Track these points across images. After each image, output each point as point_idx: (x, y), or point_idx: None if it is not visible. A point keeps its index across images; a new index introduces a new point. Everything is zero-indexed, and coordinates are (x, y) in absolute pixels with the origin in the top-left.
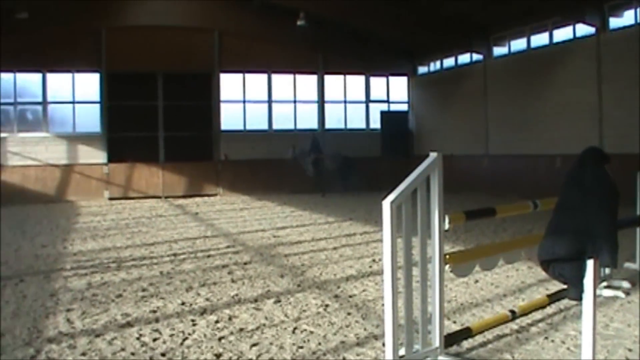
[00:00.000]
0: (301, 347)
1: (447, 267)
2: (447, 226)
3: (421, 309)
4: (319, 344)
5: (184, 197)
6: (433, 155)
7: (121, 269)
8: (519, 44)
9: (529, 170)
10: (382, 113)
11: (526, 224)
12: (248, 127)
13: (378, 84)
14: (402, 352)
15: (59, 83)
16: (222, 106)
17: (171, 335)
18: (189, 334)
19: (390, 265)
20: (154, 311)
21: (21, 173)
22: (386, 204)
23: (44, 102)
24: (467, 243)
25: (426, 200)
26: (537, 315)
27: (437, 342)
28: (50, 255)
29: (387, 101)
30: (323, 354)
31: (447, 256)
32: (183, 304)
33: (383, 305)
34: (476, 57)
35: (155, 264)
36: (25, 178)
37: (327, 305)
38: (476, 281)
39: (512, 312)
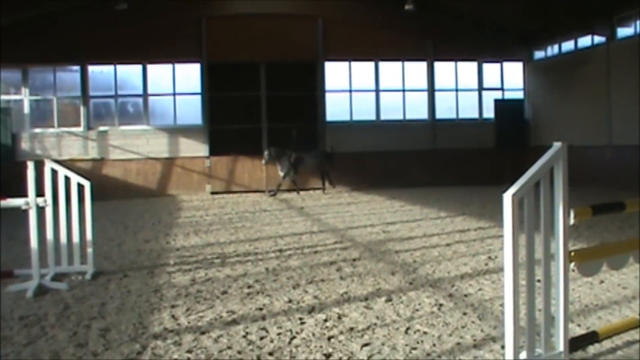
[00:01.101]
0: (414, 349)
1: (571, 265)
2: (572, 221)
3: (544, 310)
4: (434, 345)
5: (288, 191)
6: (557, 145)
7: (225, 265)
8: None
9: None
10: (496, 101)
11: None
12: (355, 118)
13: (491, 70)
14: (523, 355)
15: (160, 74)
16: (327, 96)
17: (279, 334)
18: (297, 333)
19: (512, 263)
20: (260, 309)
21: (122, 167)
22: (507, 197)
23: (145, 95)
24: (590, 240)
25: (549, 194)
26: None
27: (560, 346)
28: (153, 251)
29: (502, 89)
30: (438, 355)
31: (572, 253)
32: (290, 301)
33: (501, 305)
34: (598, 39)
35: (260, 260)
36: (126, 172)
37: (441, 305)
38: (601, 281)
39: None
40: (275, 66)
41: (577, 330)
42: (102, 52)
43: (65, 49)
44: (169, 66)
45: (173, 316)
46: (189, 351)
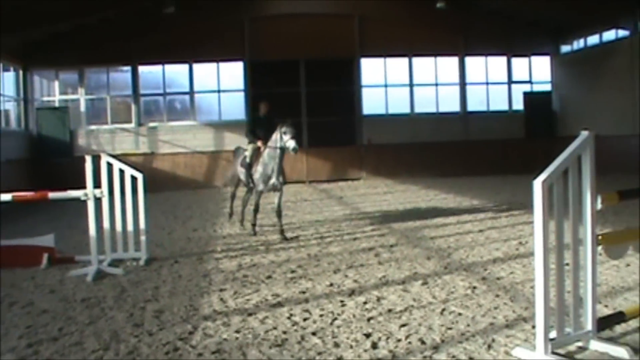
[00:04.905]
0: (450, 329)
1: (599, 248)
2: (599, 206)
3: (573, 292)
4: (468, 325)
5: (327, 181)
6: (584, 134)
7: (270, 252)
8: None
9: None
10: (525, 94)
11: None
12: (390, 112)
13: (520, 64)
14: (553, 334)
15: (205, 73)
16: (364, 91)
17: (321, 315)
18: (339, 314)
19: (542, 247)
20: (303, 292)
21: (171, 160)
22: (537, 183)
23: (191, 92)
24: (617, 226)
25: (577, 180)
26: None
27: (589, 325)
28: (201, 238)
29: (530, 82)
30: (472, 335)
31: (600, 237)
32: (331, 285)
33: (532, 287)
34: (622, 33)
35: (302, 246)
36: (175, 165)
37: (474, 287)
38: (627, 265)
39: None
40: (314, 63)
41: (605, 311)
42: (152, 53)
43: (117, 51)
44: (214, 65)
45: (221, 299)
46: (237, 331)
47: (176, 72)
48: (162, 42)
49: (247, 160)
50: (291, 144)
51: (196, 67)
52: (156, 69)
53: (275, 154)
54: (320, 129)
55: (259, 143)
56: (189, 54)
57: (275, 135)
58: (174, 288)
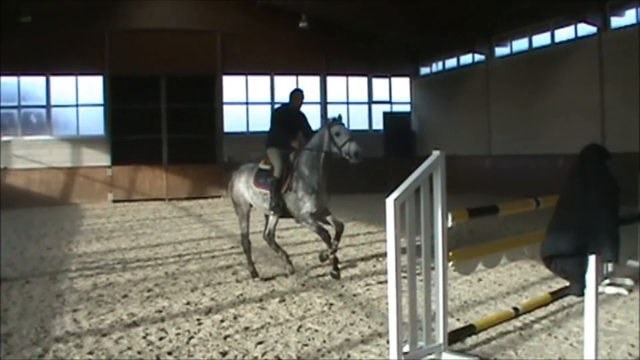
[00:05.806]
0: (306, 345)
1: (450, 264)
2: (450, 224)
3: (425, 307)
4: (324, 341)
5: (187, 199)
6: (436, 153)
7: (126, 270)
8: (520, 44)
9: (532, 170)
10: (385, 114)
11: (529, 223)
12: (251, 129)
13: (380, 85)
14: (406, 349)
15: (63, 86)
16: (225, 108)
17: (177, 334)
18: (195, 333)
19: (395, 263)
20: (160, 311)
21: (26, 176)
22: (389, 201)
23: (48, 106)
24: (471, 243)
25: (429, 199)
26: (540, 312)
27: (440, 339)
28: (55, 257)
29: (390, 102)
30: (328, 351)
31: (451, 253)
32: (188, 303)
33: (387, 303)
34: (478, 57)
35: (160, 265)
36: (29, 181)
37: (331, 304)
38: (479, 279)
39: (516, 309)
40: (176, 79)
41: (457, 324)
42: (6, 63)
43: None
44: (73, 78)
45: (75, 320)
46: (90, 352)
47: (32, 85)
48: (17, 52)
49: (277, 174)
50: (352, 147)
51: (53, 79)
52: (11, 80)
53: (319, 161)
54: (180, 146)
55: (295, 143)
56: (47, 66)
57: (322, 136)
58: (24, 310)
